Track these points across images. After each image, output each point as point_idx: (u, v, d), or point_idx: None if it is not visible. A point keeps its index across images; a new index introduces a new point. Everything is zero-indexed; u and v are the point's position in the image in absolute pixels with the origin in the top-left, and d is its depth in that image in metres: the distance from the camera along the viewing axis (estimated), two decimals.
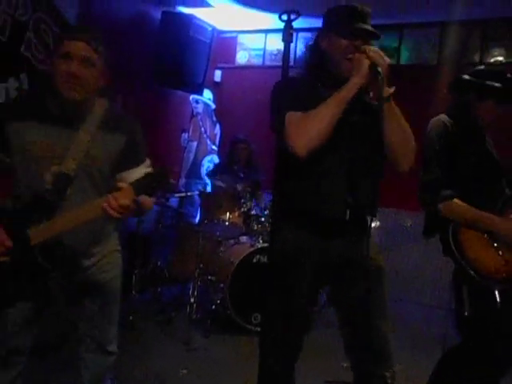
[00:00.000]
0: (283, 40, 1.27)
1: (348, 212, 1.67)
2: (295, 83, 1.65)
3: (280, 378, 1.79)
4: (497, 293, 1.97)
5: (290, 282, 1.70)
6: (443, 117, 2.15)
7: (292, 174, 1.64)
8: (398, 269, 4.58)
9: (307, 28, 5.11)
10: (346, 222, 1.68)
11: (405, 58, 4.86)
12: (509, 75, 2.10)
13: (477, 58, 4.51)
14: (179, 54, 4.33)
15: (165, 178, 1.56)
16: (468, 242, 2.03)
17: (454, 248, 2.02)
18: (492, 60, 4.44)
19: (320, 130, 1.55)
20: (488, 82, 2.09)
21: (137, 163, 1.70)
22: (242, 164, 4.13)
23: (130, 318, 3.37)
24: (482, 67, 2.21)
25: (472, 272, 1.98)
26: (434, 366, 2.37)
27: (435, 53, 4.72)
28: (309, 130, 1.53)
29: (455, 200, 2.03)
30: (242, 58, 5.44)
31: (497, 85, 2.09)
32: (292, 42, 1.27)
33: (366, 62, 1.55)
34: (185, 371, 2.81)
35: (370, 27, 1.67)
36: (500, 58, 4.44)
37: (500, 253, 2.03)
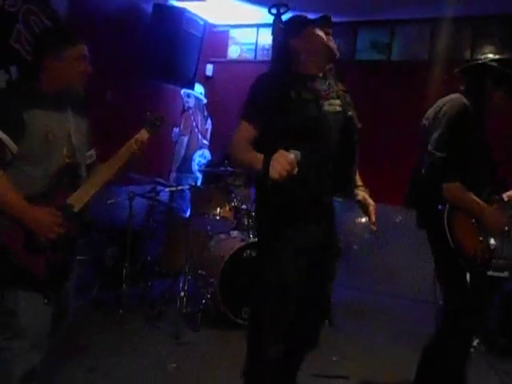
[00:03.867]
0: (272, 33, 1.26)
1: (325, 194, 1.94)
2: (269, 86, 1.83)
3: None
4: (468, 275, 2.12)
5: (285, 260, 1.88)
6: (462, 98, 2.17)
7: None
8: (388, 264, 4.62)
9: None
10: (323, 206, 1.95)
11: (396, 53, 4.88)
12: None
13: (467, 54, 4.53)
14: (170, 47, 4.31)
15: (162, 118, 1.96)
16: (458, 225, 2.14)
17: (446, 229, 2.11)
18: (482, 57, 4.47)
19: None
20: (508, 70, 2.12)
21: (91, 146, 2.03)
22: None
23: (120, 311, 3.37)
24: (498, 57, 2.24)
25: (456, 252, 2.11)
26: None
27: (426, 49, 4.75)
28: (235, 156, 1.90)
29: (457, 183, 2.10)
30: (233, 52, 5.43)
31: None
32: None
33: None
34: (174, 365, 2.81)
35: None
36: (490, 55, 4.46)
37: (481, 239, 2.16)
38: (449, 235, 2.12)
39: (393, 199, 4.46)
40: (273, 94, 1.82)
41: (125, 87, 4.16)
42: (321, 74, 1.91)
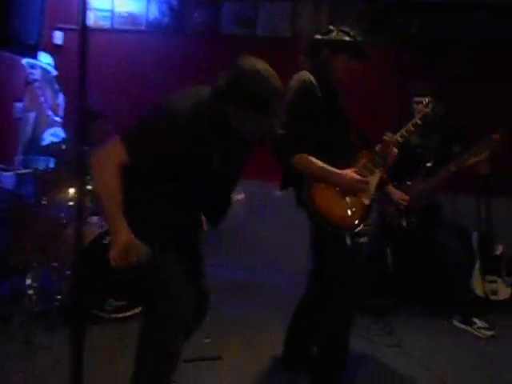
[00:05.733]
0: None
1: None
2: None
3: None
4: (347, 237, 2.19)
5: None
6: (305, 73, 2.24)
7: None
8: (265, 240, 4.64)
9: None
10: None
11: (261, 28, 4.88)
12: (353, 33, 2.33)
13: None
14: (4, 8, 3.68)
15: None
16: (320, 194, 2.17)
17: (307, 201, 2.16)
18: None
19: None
20: (338, 37, 2.28)
21: None
22: (94, 142, 3.69)
23: None
24: (331, 27, 2.34)
25: (323, 222, 2.15)
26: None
27: (289, 26, 4.82)
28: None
29: (303, 155, 2.14)
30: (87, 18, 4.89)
31: (346, 38, 2.29)
32: None
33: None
34: (21, 374, 2.45)
35: None
36: (346, 38, 4.73)
37: (348, 202, 2.21)
38: (311, 208, 2.15)
39: (270, 176, 4.49)
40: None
41: None
42: None
